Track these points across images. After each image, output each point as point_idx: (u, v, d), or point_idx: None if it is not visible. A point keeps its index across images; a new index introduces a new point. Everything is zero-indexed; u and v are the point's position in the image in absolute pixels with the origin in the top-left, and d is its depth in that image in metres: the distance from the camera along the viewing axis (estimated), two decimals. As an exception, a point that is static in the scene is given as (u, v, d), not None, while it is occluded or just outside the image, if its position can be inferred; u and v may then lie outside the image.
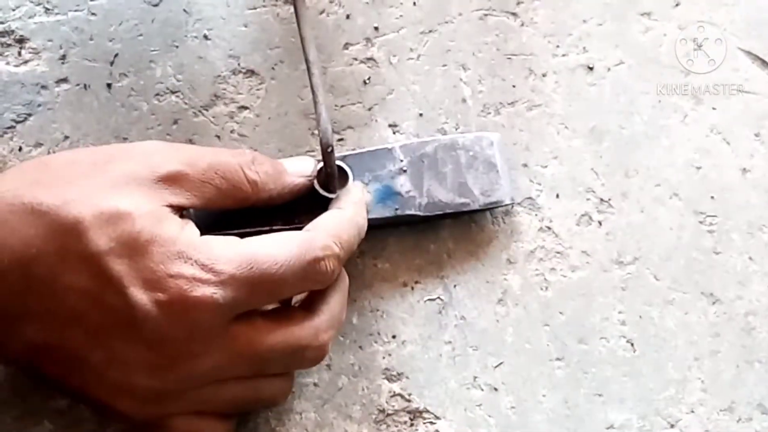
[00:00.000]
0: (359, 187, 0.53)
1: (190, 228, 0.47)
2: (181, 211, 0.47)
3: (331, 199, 0.53)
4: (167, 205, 0.46)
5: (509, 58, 0.60)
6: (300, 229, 0.52)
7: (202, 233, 0.50)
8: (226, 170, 0.48)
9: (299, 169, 0.52)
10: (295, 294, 0.50)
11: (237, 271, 0.45)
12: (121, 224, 0.45)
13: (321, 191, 0.52)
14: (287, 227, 0.52)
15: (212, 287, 0.45)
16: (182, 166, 0.47)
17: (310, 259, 0.47)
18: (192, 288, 0.45)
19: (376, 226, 0.54)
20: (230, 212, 0.51)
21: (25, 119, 0.55)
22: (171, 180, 0.47)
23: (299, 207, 0.53)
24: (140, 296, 0.44)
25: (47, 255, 0.44)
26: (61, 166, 0.48)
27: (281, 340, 0.48)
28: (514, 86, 0.59)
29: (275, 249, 0.47)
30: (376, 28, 0.59)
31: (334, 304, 0.50)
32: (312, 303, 0.50)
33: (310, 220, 0.52)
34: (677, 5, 0.62)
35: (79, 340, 0.45)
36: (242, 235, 0.52)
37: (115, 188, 0.46)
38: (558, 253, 0.57)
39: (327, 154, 0.51)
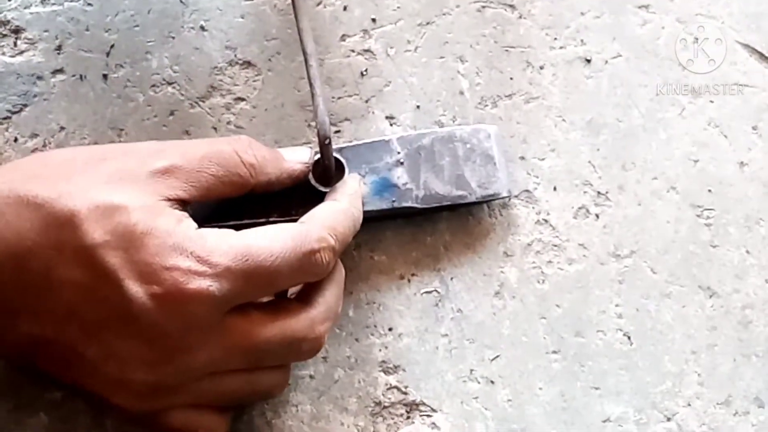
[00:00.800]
0: (356, 178, 0.53)
1: (187, 221, 0.47)
2: (180, 204, 0.47)
3: (328, 193, 0.52)
4: (164, 199, 0.46)
5: (507, 51, 0.60)
6: (297, 221, 0.52)
7: (200, 225, 0.50)
8: (222, 157, 0.48)
9: (296, 156, 0.52)
10: (290, 286, 0.49)
11: (232, 264, 0.45)
12: (117, 217, 0.44)
13: (317, 185, 0.52)
14: (284, 219, 0.52)
15: (208, 280, 0.45)
16: (176, 159, 0.47)
17: (305, 251, 0.47)
18: (187, 280, 0.44)
19: (372, 219, 0.54)
20: (228, 204, 0.51)
21: (21, 110, 0.55)
22: (166, 173, 0.47)
23: (296, 199, 0.53)
24: (135, 289, 0.44)
25: (42, 248, 0.44)
26: (58, 162, 0.48)
27: (277, 333, 0.48)
28: (511, 78, 0.59)
29: (270, 241, 0.47)
30: (373, 20, 0.59)
31: (330, 296, 0.50)
32: (308, 295, 0.49)
33: (307, 212, 0.52)
34: (675, -2, 0.62)
35: (75, 334, 0.45)
36: (239, 227, 0.52)
37: (111, 183, 0.46)
38: (555, 246, 0.57)
39: (324, 146, 0.51)
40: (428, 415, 0.54)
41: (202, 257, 0.45)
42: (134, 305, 0.44)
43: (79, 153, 0.49)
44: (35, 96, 0.55)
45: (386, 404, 0.54)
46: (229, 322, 0.46)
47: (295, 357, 0.51)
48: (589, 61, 0.60)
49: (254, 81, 0.57)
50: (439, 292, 0.56)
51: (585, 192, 0.58)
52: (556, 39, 0.60)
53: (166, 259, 0.44)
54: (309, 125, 0.57)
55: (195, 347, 0.46)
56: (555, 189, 0.58)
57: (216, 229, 0.47)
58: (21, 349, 0.47)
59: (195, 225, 0.47)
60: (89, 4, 0.57)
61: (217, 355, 0.47)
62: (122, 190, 0.45)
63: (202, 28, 0.57)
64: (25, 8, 0.56)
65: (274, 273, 0.46)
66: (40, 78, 0.55)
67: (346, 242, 0.50)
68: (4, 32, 0.56)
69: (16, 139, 0.55)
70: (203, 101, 0.57)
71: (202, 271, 0.45)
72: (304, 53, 0.50)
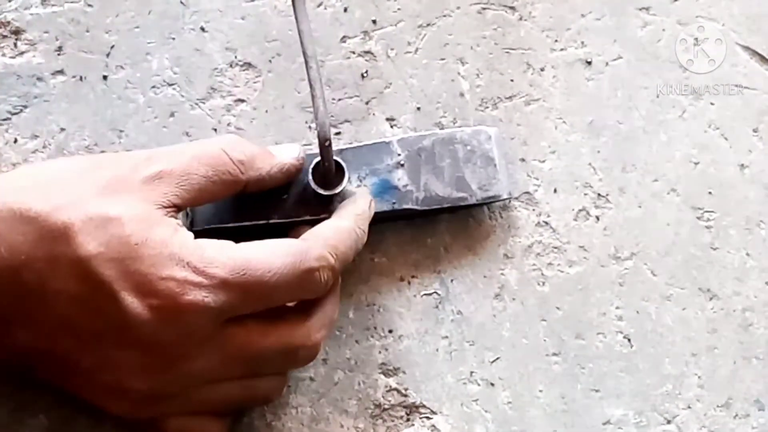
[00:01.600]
0: (366, 198, 0.53)
1: (183, 231, 0.46)
2: (175, 210, 0.47)
3: (327, 195, 0.52)
4: (159, 207, 0.46)
5: (507, 53, 0.60)
6: (297, 223, 0.52)
7: (202, 229, 0.50)
8: (209, 156, 0.48)
9: (286, 152, 0.51)
10: (287, 302, 0.49)
11: (229, 276, 0.45)
12: (111, 228, 0.44)
13: (316, 188, 0.52)
14: (283, 221, 0.52)
15: (204, 291, 0.44)
16: (165, 164, 0.47)
17: (304, 268, 0.47)
18: (183, 291, 0.44)
19: (373, 221, 0.54)
20: (227, 207, 0.51)
21: (21, 111, 0.55)
22: (156, 179, 0.46)
23: (295, 202, 0.53)
24: (131, 300, 0.44)
25: (36, 261, 0.44)
26: (50, 173, 0.47)
27: (274, 342, 0.47)
28: (512, 80, 0.59)
29: (270, 256, 0.46)
30: (373, 21, 0.59)
31: (327, 304, 0.50)
32: (305, 303, 0.49)
33: (307, 214, 0.52)
34: (676, 0, 0.61)
35: (69, 344, 0.45)
36: (239, 229, 0.52)
37: (104, 194, 0.45)
38: (555, 248, 0.57)
39: (324, 147, 0.50)
40: (428, 417, 0.54)
41: (199, 268, 0.45)
42: (129, 316, 0.44)
43: (71, 163, 0.49)
44: (35, 97, 0.55)
45: (386, 406, 0.54)
46: (225, 332, 0.46)
47: (291, 365, 0.50)
48: (589, 63, 0.60)
49: (255, 82, 0.57)
50: (439, 294, 0.56)
51: (585, 194, 0.58)
52: (556, 41, 0.60)
53: (162, 269, 0.44)
54: (309, 127, 0.57)
55: (191, 356, 0.46)
56: (555, 191, 0.58)
57: (214, 240, 0.46)
58: (17, 359, 0.47)
59: (192, 235, 0.46)
60: (89, 5, 0.57)
61: (214, 364, 0.46)
62: (116, 201, 0.45)
63: (203, 29, 0.57)
64: (25, 9, 0.56)
65: (272, 288, 0.46)
66: (40, 79, 0.55)
67: (346, 261, 0.50)
68: (4, 33, 0.56)
69: (16, 140, 0.55)
70: (203, 102, 0.56)
71: (198, 282, 0.44)
72: (305, 55, 0.50)
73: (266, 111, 0.57)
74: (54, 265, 0.44)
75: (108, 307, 0.44)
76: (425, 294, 0.56)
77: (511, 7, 0.60)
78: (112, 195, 0.45)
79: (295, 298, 0.48)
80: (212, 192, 0.48)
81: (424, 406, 0.55)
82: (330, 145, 0.50)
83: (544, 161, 0.58)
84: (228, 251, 0.46)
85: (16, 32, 0.56)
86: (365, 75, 0.58)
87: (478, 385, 0.55)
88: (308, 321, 0.48)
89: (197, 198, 0.48)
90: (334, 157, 0.52)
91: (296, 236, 0.50)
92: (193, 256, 0.45)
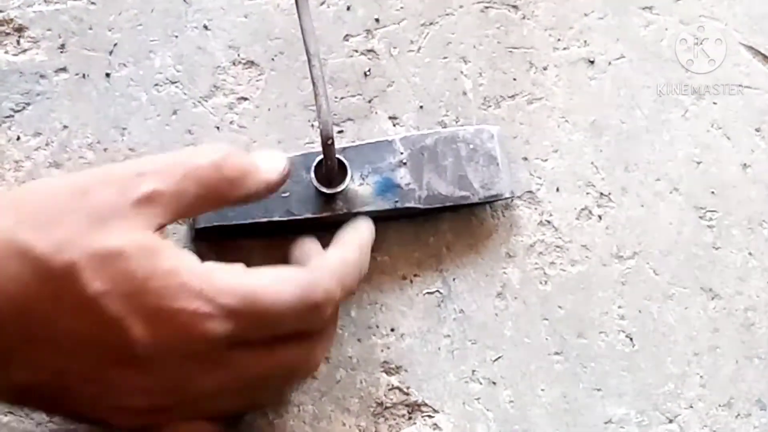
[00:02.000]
0: (369, 226, 0.53)
1: (186, 255, 0.45)
2: (164, 226, 0.46)
3: (330, 194, 0.52)
4: (154, 231, 0.45)
5: (510, 51, 0.60)
6: (298, 221, 0.52)
7: (201, 227, 0.50)
8: (201, 175, 0.46)
9: (273, 164, 0.49)
10: (289, 332, 0.48)
11: (239, 306, 0.44)
12: (116, 263, 0.43)
13: (318, 186, 0.52)
14: (285, 220, 0.52)
15: (215, 321, 0.44)
16: (157, 182, 0.45)
17: (311, 303, 0.46)
18: (195, 322, 0.44)
19: (375, 219, 0.54)
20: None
21: (24, 108, 0.55)
22: (148, 201, 0.45)
23: (298, 200, 0.53)
24: (142, 335, 0.43)
25: (43, 301, 0.43)
26: (40, 200, 0.45)
27: (276, 363, 0.47)
28: (514, 79, 0.59)
29: (278, 288, 0.46)
30: (376, 20, 0.59)
31: (330, 324, 0.50)
32: None
33: (309, 212, 0.53)
34: (679, -1, 0.62)
35: (73, 378, 0.44)
36: (239, 227, 0.52)
37: (100, 224, 0.44)
38: (558, 247, 0.57)
39: (327, 146, 0.50)
40: (430, 416, 0.54)
41: (210, 297, 0.44)
42: (139, 350, 0.43)
43: (59, 187, 0.46)
44: (38, 94, 0.55)
45: (388, 405, 0.54)
46: (229, 354, 0.46)
47: (291, 382, 0.51)
48: (592, 62, 0.60)
49: (257, 80, 0.57)
50: (441, 293, 0.56)
51: (588, 193, 0.58)
52: (559, 40, 0.60)
53: (173, 301, 0.43)
54: (312, 125, 0.57)
55: (194, 378, 0.45)
56: (558, 190, 0.58)
57: (223, 265, 0.46)
58: (9, 395, 0.46)
59: (196, 257, 0.46)
60: (92, 3, 0.57)
61: (216, 383, 0.46)
62: (114, 230, 0.44)
63: (206, 27, 0.57)
64: (28, 7, 0.56)
65: (278, 320, 0.46)
66: (43, 76, 0.55)
67: (351, 294, 0.50)
68: (7, 31, 0.56)
69: (18, 138, 0.55)
70: (206, 100, 0.56)
71: (209, 313, 0.44)
72: (308, 53, 0.50)
73: (269, 109, 0.57)
74: (61, 305, 0.43)
75: (117, 342, 0.43)
76: (427, 292, 0.56)
77: (514, 6, 0.60)
78: (107, 223, 0.44)
79: (296, 330, 0.48)
80: (201, 208, 0.47)
81: (425, 405, 0.55)
82: (332, 143, 0.50)
83: (546, 160, 0.58)
84: (238, 279, 0.45)
85: (20, 29, 0.56)
86: (368, 73, 0.58)
87: (480, 383, 0.55)
88: (311, 342, 0.48)
89: (185, 214, 0.47)
90: (337, 156, 0.52)
91: (299, 249, 0.50)
92: (204, 284, 0.44)
